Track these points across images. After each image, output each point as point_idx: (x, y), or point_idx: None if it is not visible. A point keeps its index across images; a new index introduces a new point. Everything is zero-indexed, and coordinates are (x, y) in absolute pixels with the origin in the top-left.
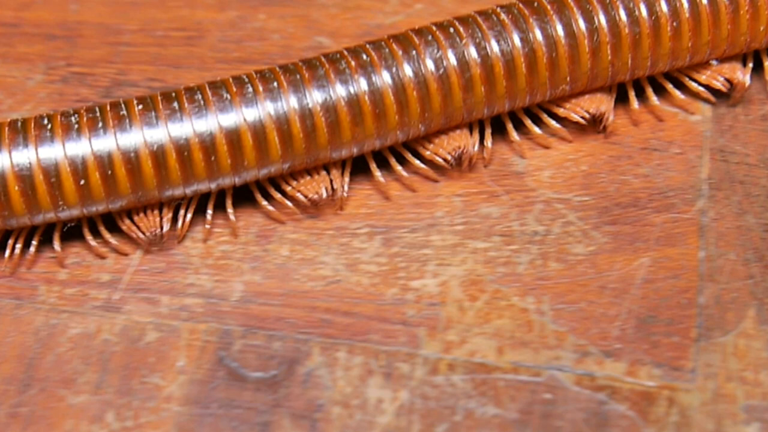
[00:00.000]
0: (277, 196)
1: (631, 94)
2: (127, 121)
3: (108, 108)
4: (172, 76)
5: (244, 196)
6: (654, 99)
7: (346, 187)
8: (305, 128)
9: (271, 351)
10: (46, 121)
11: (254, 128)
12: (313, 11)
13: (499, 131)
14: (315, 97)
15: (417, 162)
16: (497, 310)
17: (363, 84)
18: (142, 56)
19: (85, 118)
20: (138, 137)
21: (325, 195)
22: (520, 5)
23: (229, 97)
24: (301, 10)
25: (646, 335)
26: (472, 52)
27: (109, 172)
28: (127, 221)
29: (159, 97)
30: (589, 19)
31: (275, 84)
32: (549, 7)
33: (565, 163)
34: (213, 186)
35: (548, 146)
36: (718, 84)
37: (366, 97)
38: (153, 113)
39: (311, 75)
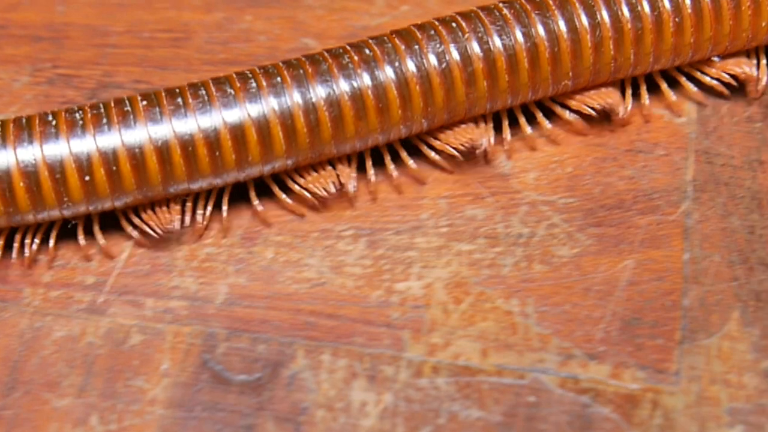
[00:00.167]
0: (282, 196)
1: (628, 93)
2: (132, 117)
3: (112, 104)
4: (159, 78)
5: (230, 198)
6: (646, 99)
7: (354, 182)
8: (309, 123)
9: (256, 354)
10: (50, 118)
11: (258, 123)
12: (300, 13)
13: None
14: (318, 92)
15: (432, 153)
16: (482, 312)
17: (366, 78)
18: (129, 58)
19: (89, 115)
20: (143, 133)
21: (333, 190)
22: (523, 0)
23: (233, 92)
24: (288, 12)
25: (631, 338)
26: (475, 47)
27: (114, 168)
28: (137, 219)
29: (163, 93)
30: (591, 14)
31: (279, 79)
32: (551, 1)
33: (551, 164)
34: (218, 182)
35: (534, 148)
36: (727, 78)
37: (369, 92)
38: (157, 109)
39: (314, 70)
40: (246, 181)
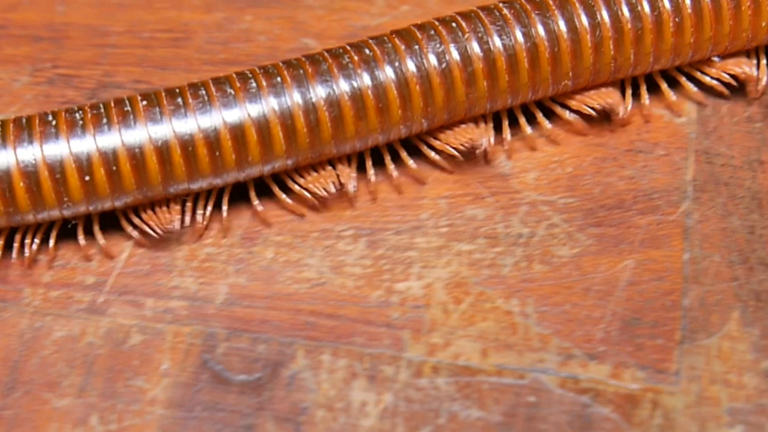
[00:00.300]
0: (282, 196)
1: (628, 93)
2: (132, 117)
3: (112, 104)
4: (159, 78)
5: (230, 198)
6: (646, 99)
7: (354, 183)
8: (309, 123)
9: (256, 354)
10: (50, 118)
11: (258, 123)
12: (300, 13)
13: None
14: (318, 92)
15: (432, 153)
16: (482, 312)
17: (366, 78)
18: (129, 58)
19: (89, 115)
20: (143, 133)
21: (333, 190)
22: (523, 0)
23: (233, 92)
24: (288, 12)
25: (631, 338)
26: (475, 47)
27: (114, 168)
28: (137, 219)
29: (163, 93)
30: (591, 14)
31: (279, 79)
32: (551, 1)
33: (551, 164)
34: (218, 182)
35: (534, 148)
36: (727, 78)
37: (369, 92)
38: (157, 109)
39: (314, 70)
40: (246, 182)
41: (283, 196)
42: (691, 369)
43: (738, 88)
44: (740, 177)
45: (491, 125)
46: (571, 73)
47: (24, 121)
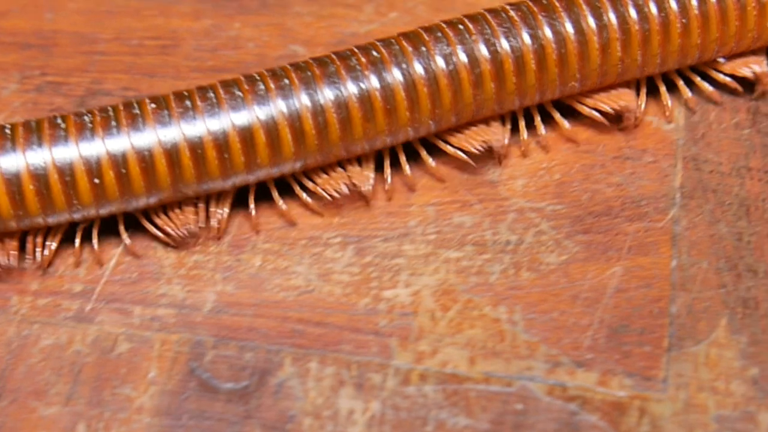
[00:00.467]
0: (279, 201)
1: (643, 92)
2: (141, 120)
3: (121, 107)
4: (147, 85)
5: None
6: (644, 103)
7: (370, 182)
8: (317, 125)
9: (243, 362)
10: (60, 121)
11: (267, 125)
12: (288, 20)
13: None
14: (326, 94)
15: (450, 150)
16: (469, 320)
17: (374, 80)
18: (117, 65)
19: (98, 118)
20: (152, 136)
21: (346, 191)
22: (530, 3)
23: (241, 95)
24: (276, 19)
25: (618, 345)
26: (482, 49)
27: (123, 171)
28: (158, 220)
29: (172, 96)
30: (598, 15)
31: (287, 81)
32: (558, 3)
33: (539, 171)
34: (227, 184)
35: (524, 154)
36: (731, 81)
37: (377, 94)
38: (166, 112)
39: (322, 72)
40: (254, 184)
41: (280, 201)
42: (679, 376)
43: (727, 94)
44: (728, 184)
45: (509, 126)
46: (578, 75)
47: (33, 124)
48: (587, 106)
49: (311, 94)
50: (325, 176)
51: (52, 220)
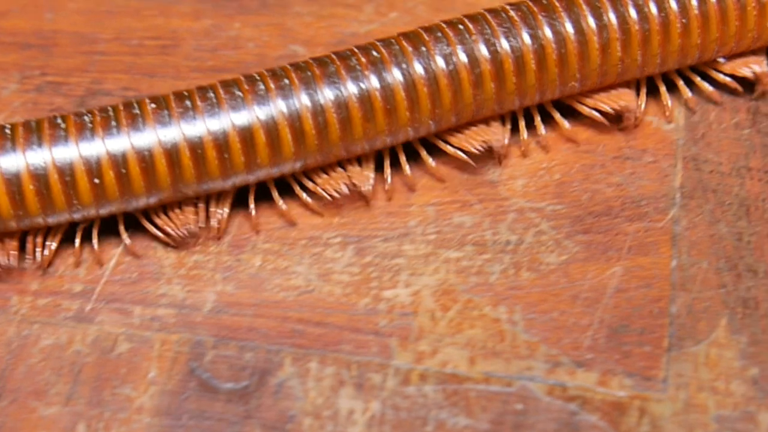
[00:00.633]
0: (279, 202)
1: (643, 93)
2: (141, 120)
3: (121, 107)
4: (147, 85)
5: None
6: (644, 102)
7: (370, 182)
8: (317, 125)
9: (243, 362)
10: (60, 121)
11: (267, 125)
12: (288, 20)
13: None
14: (327, 94)
15: (450, 150)
16: (469, 320)
17: (374, 80)
18: (117, 65)
19: (98, 118)
20: (152, 136)
21: (346, 191)
22: (530, 3)
23: (241, 95)
24: (276, 19)
25: (618, 345)
26: (482, 49)
27: (123, 171)
28: (158, 220)
29: (171, 96)
30: (598, 15)
31: (287, 81)
32: (558, 3)
33: (539, 171)
34: (227, 184)
35: (524, 154)
36: (731, 81)
37: (377, 93)
38: (166, 112)
39: (322, 72)
40: (254, 185)
41: (280, 201)
42: (679, 376)
43: (727, 94)
44: (728, 184)
45: (509, 126)
46: (578, 75)
47: (33, 124)
48: (587, 106)
49: (311, 94)
50: (325, 176)
51: (52, 220)
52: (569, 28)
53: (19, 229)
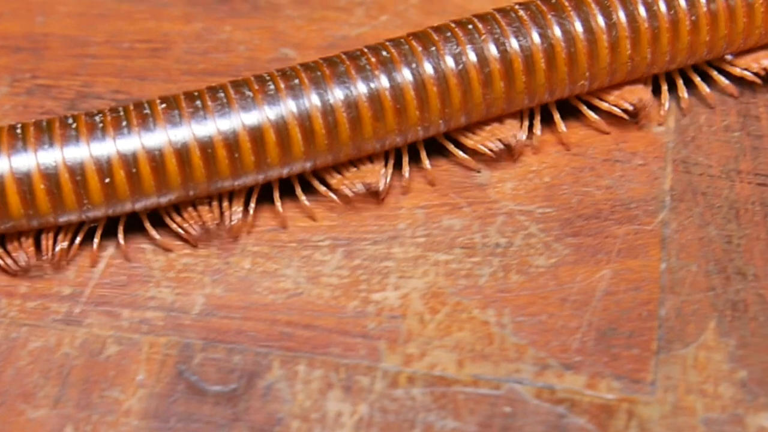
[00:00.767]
0: (302, 197)
1: (664, 89)
2: (151, 119)
3: (131, 107)
4: (138, 88)
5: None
6: (666, 103)
7: (385, 180)
8: (327, 125)
9: (231, 364)
10: (71, 121)
11: (277, 125)
12: (279, 23)
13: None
14: (336, 94)
15: (459, 152)
16: (458, 322)
17: (384, 80)
18: (108, 68)
19: (109, 118)
20: (162, 136)
21: (362, 190)
22: (539, 2)
23: (251, 95)
24: (267, 22)
25: (607, 348)
26: (492, 48)
27: (134, 171)
28: (177, 218)
29: (182, 96)
30: (607, 14)
31: (297, 81)
32: (567, 2)
33: (528, 174)
34: (236, 183)
35: (513, 157)
36: (751, 76)
37: (387, 93)
38: (176, 112)
39: (332, 72)
40: (265, 183)
41: (279, 203)
42: (667, 379)
43: (715, 98)
44: (718, 186)
45: (526, 122)
46: (587, 74)
47: (44, 124)
48: (608, 102)
49: (321, 94)
50: (338, 176)
51: (62, 219)
52: (578, 26)
53: (30, 228)
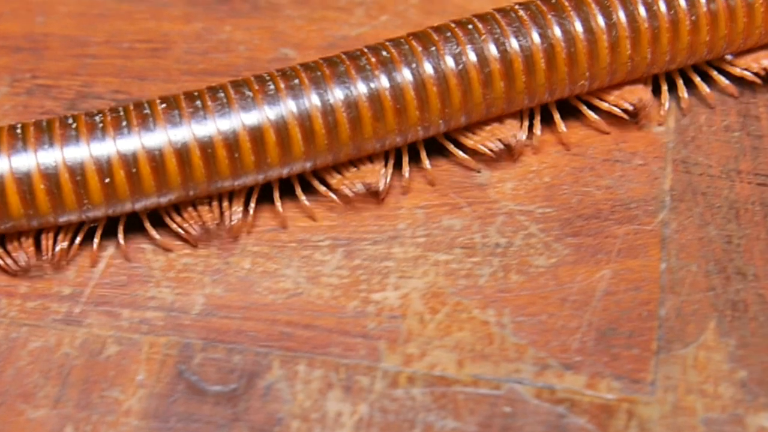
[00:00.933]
0: (302, 197)
1: (664, 89)
2: (151, 119)
3: (131, 107)
4: (137, 88)
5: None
6: (666, 102)
7: (385, 180)
8: (327, 124)
9: (231, 364)
10: (71, 121)
11: (277, 125)
12: (279, 23)
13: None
14: (336, 94)
15: (459, 152)
16: (458, 322)
17: (384, 80)
18: (108, 68)
19: (109, 118)
20: (162, 136)
21: (362, 189)
22: (539, 2)
23: (251, 95)
24: (267, 22)
25: (607, 348)
26: (492, 48)
27: (134, 171)
28: (177, 218)
29: (182, 96)
30: (607, 14)
31: (297, 81)
32: (567, 3)
33: (528, 174)
34: (236, 183)
35: (513, 157)
36: (751, 76)
37: (387, 93)
38: (176, 112)
39: (332, 72)
40: (265, 183)
41: (279, 203)
42: (667, 379)
43: (715, 98)
44: (718, 186)
45: (526, 122)
46: (587, 74)
47: (45, 124)
48: (608, 102)
49: (321, 94)
50: (338, 176)
51: (62, 219)
52: (578, 26)
53: (30, 228)
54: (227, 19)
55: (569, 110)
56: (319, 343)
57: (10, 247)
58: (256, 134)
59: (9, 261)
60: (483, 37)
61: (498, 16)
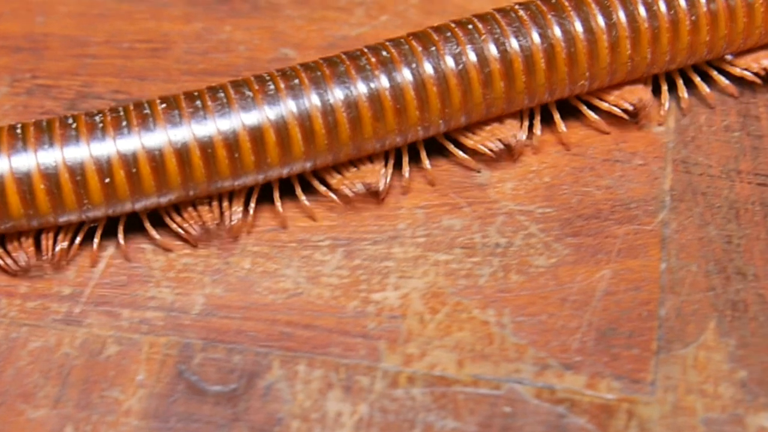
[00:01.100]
0: (302, 197)
1: (664, 89)
2: (151, 119)
3: (131, 107)
4: (137, 88)
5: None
6: (666, 102)
7: (385, 180)
8: (327, 124)
9: (231, 364)
10: (71, 121)
11: (277, 125)
12: (279, 23)
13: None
14: (336, 94)
15: (459, 152)
16: (458, 322)
17: (384, 80)
18: (108, 68)
19: (109, 118)
20: (162, 136)
21: (362, 189)
22: (539, 2)
23: (251, 95)
24: (267, 22)
25: (607, 348)
26: (492, 48)
27: (134, 171)
28: (177, 218)
29: (182, 96)
30: (607, 14)
31: (297, 81)
32: (567, 3)
33: (528, 174)
34: (236, 183)
35: (513, 157)
36: (752, 76)
37: (387, 93)
38: (176, 112)
39: (332, 72)
40: (265, 183)
41: (279, 203)
42: (667, 379)
43: (715, 98)
44: (718, 186)
45: (526, 122)
46: (587, 74)
47: (44, 124)
48: (608, 102)
49: (321, 94)
50: (338, 176)
51: (62, 219)
52: (578, 26)
53: (30, 228)
54: (227, 19)
55: (569, 110)
56: (319, 343)
57: (10, 247)
58: (256, 134)
59: (9, 261)
60: (483, 37)
61: (498, 16)
